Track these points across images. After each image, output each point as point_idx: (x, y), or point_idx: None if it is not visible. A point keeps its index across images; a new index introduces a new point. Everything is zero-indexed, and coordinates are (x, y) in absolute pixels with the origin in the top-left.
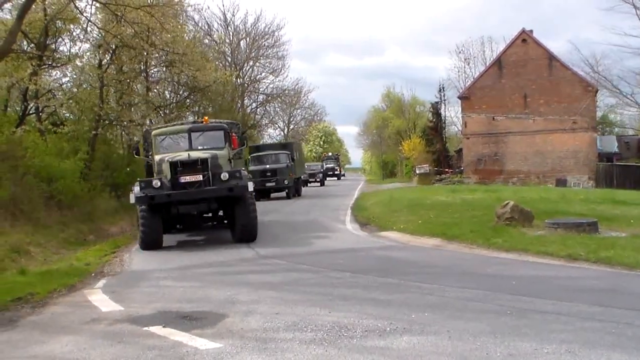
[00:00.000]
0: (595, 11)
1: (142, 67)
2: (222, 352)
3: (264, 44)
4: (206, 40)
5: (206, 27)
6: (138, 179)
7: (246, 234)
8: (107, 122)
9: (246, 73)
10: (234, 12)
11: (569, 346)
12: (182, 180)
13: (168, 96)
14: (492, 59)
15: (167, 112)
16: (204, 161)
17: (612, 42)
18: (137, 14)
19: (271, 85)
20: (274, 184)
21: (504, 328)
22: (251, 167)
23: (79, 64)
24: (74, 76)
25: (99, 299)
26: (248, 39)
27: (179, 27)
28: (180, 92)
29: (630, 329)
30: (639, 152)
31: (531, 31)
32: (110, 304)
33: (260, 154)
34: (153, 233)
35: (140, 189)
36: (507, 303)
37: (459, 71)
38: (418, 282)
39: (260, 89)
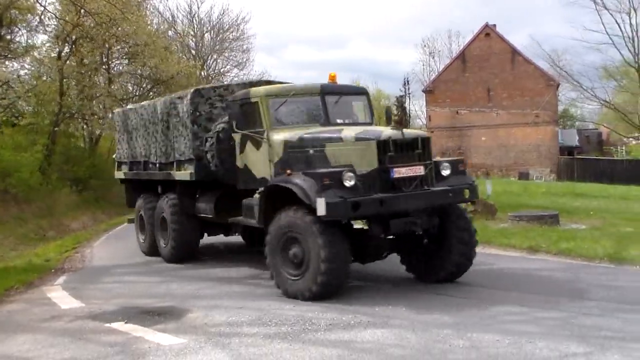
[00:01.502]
0: (557, 5)
1: (104, 59)
2: (185, 348)
3: (229, 37)
4: (170, 33)
5: (170, 19)
6: (297, 171)
7: (466, 261)
8: (67, 115)
9: (210, 66)
10: (199, 4)
11: (529, 337)
12: (397, 175)
13: (131, 89)
14: (457, 52)
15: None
16: (424, 142)
17: (573, 36)
18: (98, 4)
19: (236, 79)
20: None
21: (466, 320)
22: None
23: (37, 55)
24: (33, 68)
25: (59, 295)
26: (213, 31)
27: (142, 17)
28: (144, 85)
29: (588, 319)
30: (599, 145)
31: (494, 25)
32: (71, 301)
33: None
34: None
35: (325, 189)
36: (470, 295)
37: (423, 65)
38: (383, 274)
39: (225, 82)
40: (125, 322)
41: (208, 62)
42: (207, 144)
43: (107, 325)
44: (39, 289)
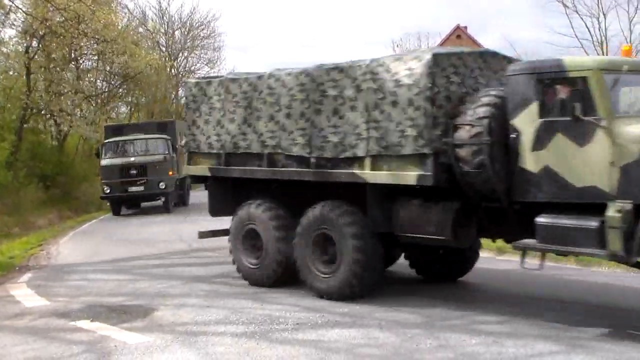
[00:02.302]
0: (528, 8)
1: (72, 55)
2: (151, 346)
3: (200, 35)
4: (140, 29)
5: (141, 16)
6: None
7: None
8: (35, 111)
9: (181, 63)
10: (169, 1)
11: (497, 336)
12: None
13: (100, 85)
14: None
15: (99, 101)
16: None
17: (543, 39)
18: (67, 0)
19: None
20: (142, 188)
21: (435, 320)
22: (105, 161)
23: (4, 50)
24: None
25: (23, 293)
26: (183, 29)
27: (111, 14)
28: (113, 82)
29: (555, 319)
30: None
31: (466, 27)
32: (35, 299)
33: (119, 139)
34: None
35: None
36: (439, 295)
37: None
38: None
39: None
40: (91, 321)
41: (179, 59)
42: (460, 134)
43: (73, 323)
44: (3, 286)
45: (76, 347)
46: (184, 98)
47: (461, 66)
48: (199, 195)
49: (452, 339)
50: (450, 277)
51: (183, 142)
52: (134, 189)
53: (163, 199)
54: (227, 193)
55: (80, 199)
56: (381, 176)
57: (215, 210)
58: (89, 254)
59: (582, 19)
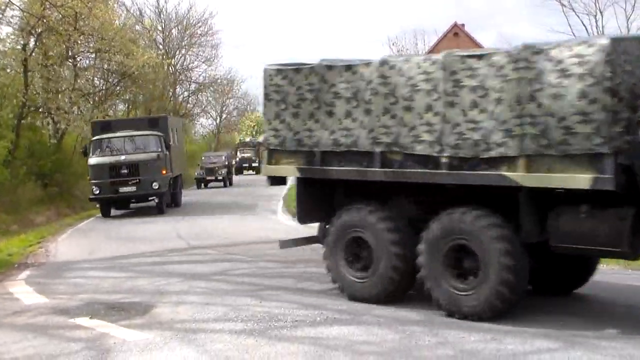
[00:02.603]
0: (524, 8)
1: (70, 53)
2: (150, 343)
3: (197, 32)
4: (137, 27)
5: (138, 14)
6: None
7: None
8: (32, 109)
9: (178, 61)
10: None
11: (495, 333)
12: None
13: (98, 83)
14: (424, 51)
15: (97, 99)
16: None
17: (540, 37)
18: None
19: (203, 74)
20: (134, 188)
21: (434, 317)
22: (93, 160)
23: (0, 47)
24: None
25: (22, 290)
26: (180, 26)
27: (109, 12)
28: (110, 80)
29: (554, 317)
30: None
31: (463, 25)
32: (34, 296)
33: (108, 136)
34: None
35: None
36: None
37: None
38: None
39: (193, 78)
40: (90, 318)
41: (176, 57)
42: None
43: (72, 320)
44: (1, 284)
45: (75, 344)
46: (263, 88)
47: (632, 53)
48: (191, 194)
49: (451, 336)
50: (565, 289)
51: (262, 138)
52: (125, 189)
53: (157, 199)
54: (321, 196)
55: (79, 196)
56: (540, 179)
57: (306, 216)
58: (87, 251)
59: (578, 17)
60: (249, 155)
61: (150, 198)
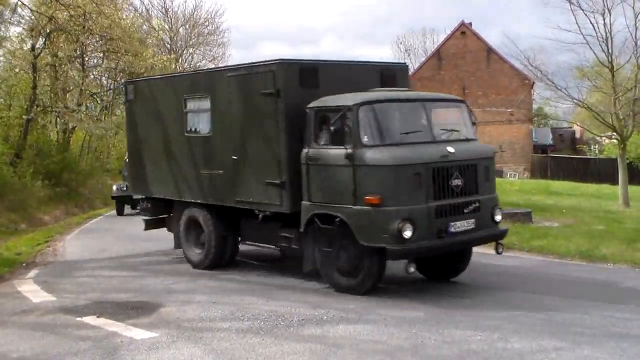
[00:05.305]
0: (530, 7)
1: (78, 53)
2: (157, 342)
3: (204, 31)
4: (145, 27)
5: (145, 13)
6: None
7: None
8: (40, 108)
9: (186, 60)
10: None
11: (501, 332)
12: None
13: (105, 82)
14: (432, 50)
15: (104, 98)
16: None
17: (547, 36)
18: None
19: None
20: None
21: (438, 316)
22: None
23: (10, 47)
24: (4, 60)
25: (30, 289)
26: (188, 25)
27: (117, 12)
28: (118, 79)
29: (560, 315)
30: (572, 144)
31: (470, 24)
32: (42, 295)
33: None
34: None
35: None
36: (442, 291)
37: None
38: None
39: None
40: (98, 317)
41: (184, 56)
42: None
43: (79, 319)
44: (10, 282)
45: (83, 342)
46: None
47: None
48: None
49: (457, 335)
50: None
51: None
52: None
53: None
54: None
55: (86, 195)
56: None
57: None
58: (95, 250)
59: (586, 15)
60: None
61: None
